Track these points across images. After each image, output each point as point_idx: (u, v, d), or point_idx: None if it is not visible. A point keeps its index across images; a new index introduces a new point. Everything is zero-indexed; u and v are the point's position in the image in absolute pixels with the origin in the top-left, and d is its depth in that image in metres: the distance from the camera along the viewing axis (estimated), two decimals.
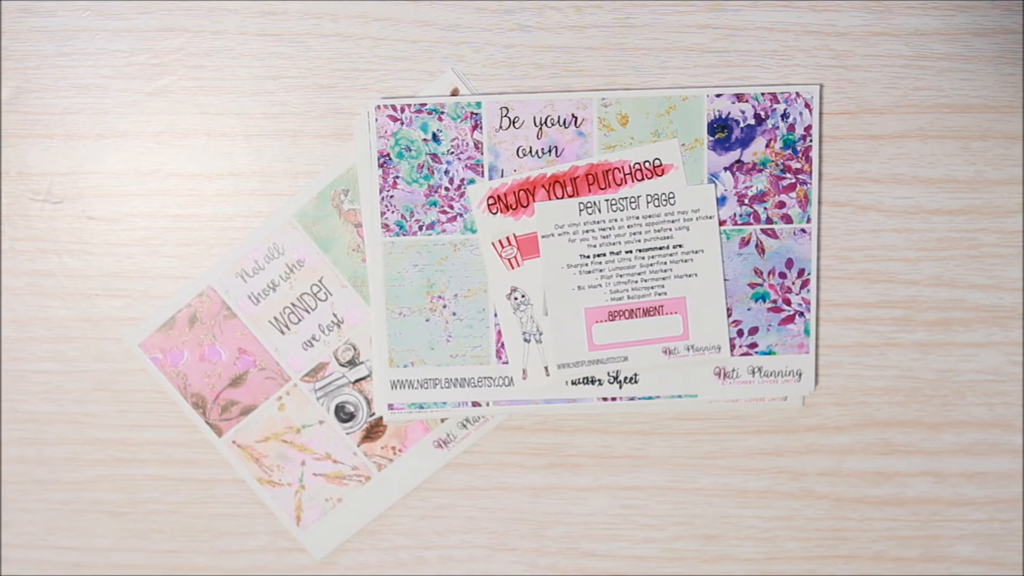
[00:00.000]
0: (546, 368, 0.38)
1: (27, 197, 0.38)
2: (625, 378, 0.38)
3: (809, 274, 0.37)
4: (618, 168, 0.36)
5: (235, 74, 0.38)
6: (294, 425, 0.39)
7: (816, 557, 0.40)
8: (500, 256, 0.37)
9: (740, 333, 0.38)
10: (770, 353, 0.38)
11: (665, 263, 0.36)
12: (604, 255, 0.36)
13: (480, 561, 0.40)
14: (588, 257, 0.36)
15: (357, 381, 0.39)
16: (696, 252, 0.36)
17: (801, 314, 0.38)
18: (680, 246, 0.36)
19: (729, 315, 0.37)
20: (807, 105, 0.36)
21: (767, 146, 0.36)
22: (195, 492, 0.40)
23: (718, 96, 0.36)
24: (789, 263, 0.37)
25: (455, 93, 0.37)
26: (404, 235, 0.37)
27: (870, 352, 0.39)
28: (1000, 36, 0.38)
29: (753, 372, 0.38)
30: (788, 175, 0.37)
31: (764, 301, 0.37)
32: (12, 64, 0.37)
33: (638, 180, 0.36)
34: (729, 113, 0.36)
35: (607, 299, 0.37)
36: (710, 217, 0.36)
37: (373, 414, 0.39)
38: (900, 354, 0.39)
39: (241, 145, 0.38)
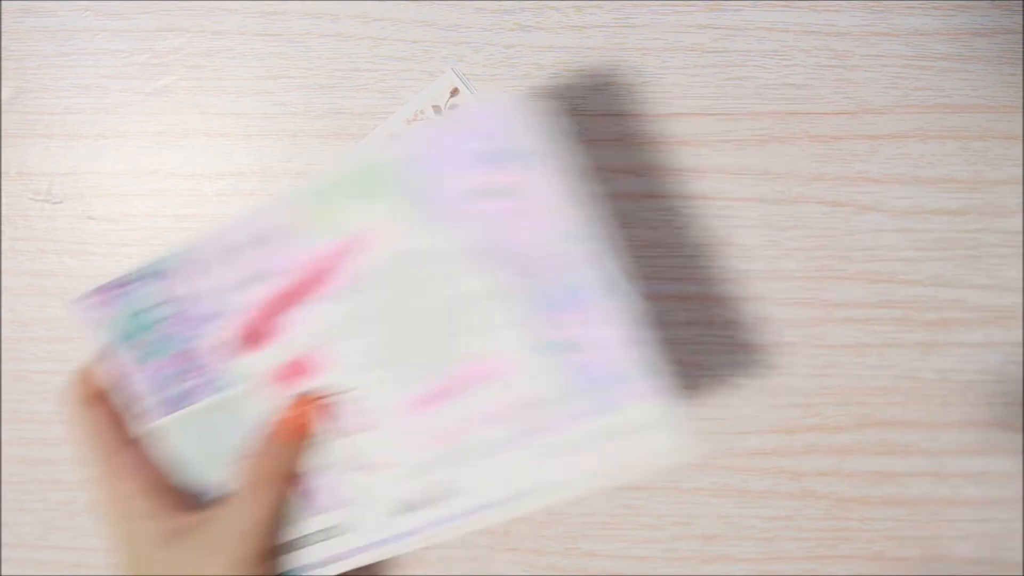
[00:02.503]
0: (364, 504, 0.32)
1: (27, 197, 0.38)
2: (449, 493, 0.32)
3: (604, 308, 0.30)
4: (342, 253, 0.30)
5: (235, 74, 0.38)
6: None
7: (816, 557, 0.40)
8: (271, 398, 0.32)
9: (566, 402, 0.31)
10: (606, 412, 0.31)
11: (454, 323, 0.31)
12: (386, 339, 0.31)
13: (480, 561, 0.40)
14: (370, 347, 0.31)
15: None
16: (480, 299, 0.31)
17: (623, 360, 0.31)
18: (464, 296, 0.31)
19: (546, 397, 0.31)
20: (506, 114, 0.29)
21: (485, 177, 0.29)
22: None
23: (421, 153, 0.30)
24: (581, 304, 0.31)
25: (455, 93, 0.37)
26: (172, 411, 0.33)
27: (870, 352, 0.39)
28: (1000, 36, 0.38)
29: (593, 439, 0.31)
30: (514, 197, 0.29)
31: (568, 352, 0.31)
32: (12, 64, 0.37)
33: (364, 257, 0.31)
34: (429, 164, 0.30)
35: (412, 387, 0.31)
36: (459, 253, 0.30)
37: None
38: (900, 354, 0.39)
39: (241, 145, 0.38)
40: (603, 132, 0.38)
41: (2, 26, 0.37)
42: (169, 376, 0.32)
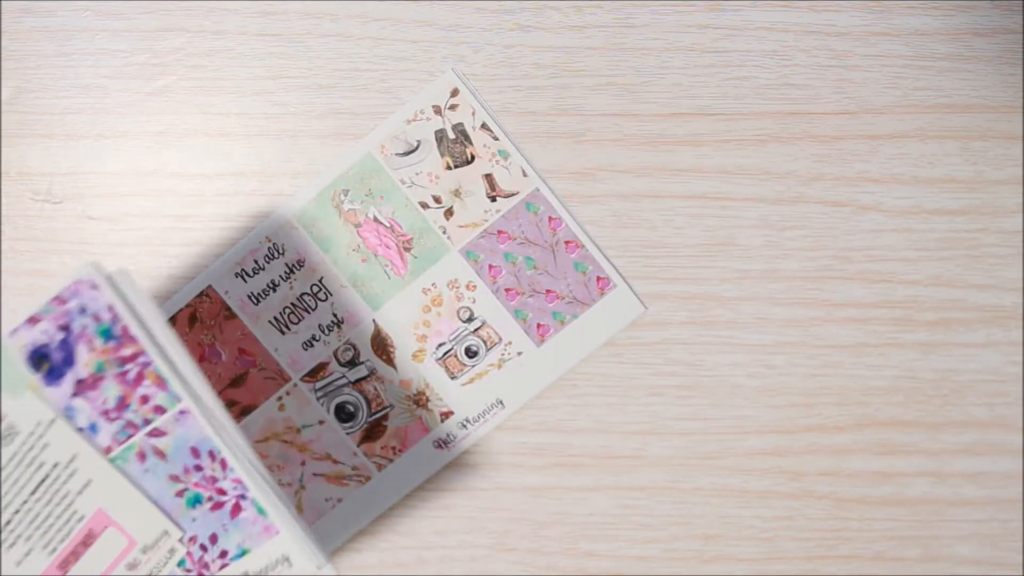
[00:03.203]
0: None
1: (27, 197, 0.38)
2: None
3: (220, 452, 0.32)
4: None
5: (235, 74, 0.38)
6: (294, 425, 0.39)
7: (816, 557, 0.40)
8: None
9: (204, 548, 0.33)
10: (244, 553, 0.33)
11: (59, 488, 0.32)
12: (11, 520, 0.32)
13: (480, 561, 0.40)
14: (0, 531, 0.32)
15: (357, 381, 0.39)
16: (72, 460, 0.32)
17: (243, 496, 0.32)
18: (57, 463, 0.32)
19: (182, 539, 0.33)
20: (92, 286, 0.30)
21: (91, 349, 0.31)
22: None
23: (14, 332, 0.31)
24: (195, 452, 0.32)
25: (455, 93, 0.37)
26: None
27: (870, 352, 0.39)
28: (1000, 36, 0.38)
29: None
30: (128, 366, 0.31)
31: (200, 503, 0.33)
32: (12, 64, 0.37)
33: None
34: (36, 342, 0.31)
35: (47, 557, 0.32)
36: (52, 421, 0.31)
37: (373, 414, 0.39)
38: (900, 354, 0.39)
39: (241, 145, 0.38)
40: (603, 132, 0.38)
41: (2, 26, 0.37)
42: None
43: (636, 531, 0.40)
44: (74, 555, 0.32)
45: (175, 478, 0.32)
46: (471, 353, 0.39)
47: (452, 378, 0.39)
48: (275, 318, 0.38)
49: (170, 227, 0.38)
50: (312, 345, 0.38)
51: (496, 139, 0.37)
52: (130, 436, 0.32)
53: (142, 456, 0.32)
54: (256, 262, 0.38)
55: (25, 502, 0.32)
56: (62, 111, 0.38)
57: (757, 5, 0.37)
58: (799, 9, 0.37)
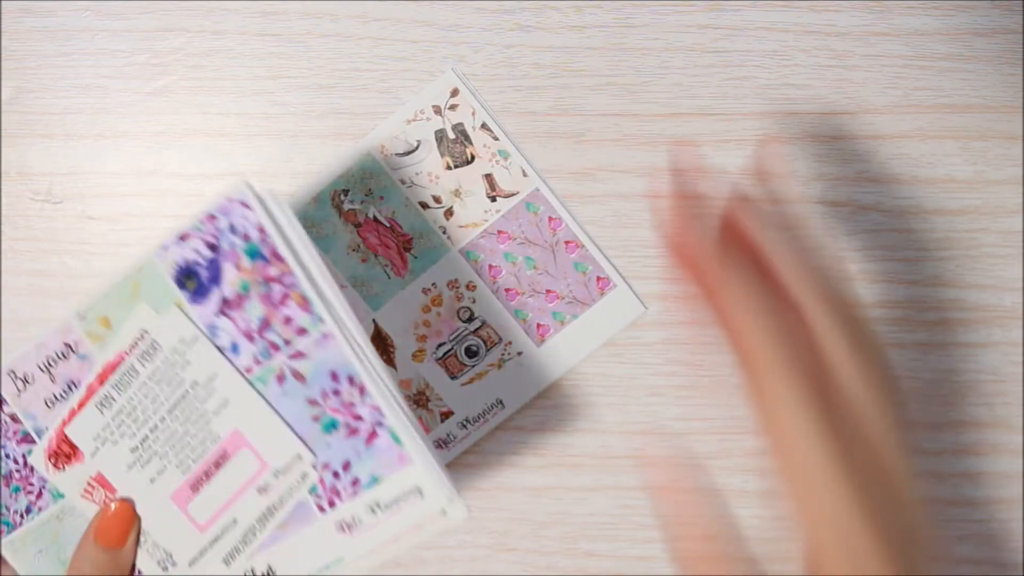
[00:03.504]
0: None
1: (27, 197, 0.38)
2: (263, 575, 0.33)
3: (359, 377, 0.31)
4: (120, 362, 0.33)
5: (235, 74, 0.38)
6: None
7: None
8: (97, 504, 0.34)
9: (336, 475, 0.32)
10: (375, 481, 0.32)
11: (197, 407, 0.32)
12: (148, 436, 0.32)
13: (480, 561, 0.40)
14: (137, 448, 0.33)
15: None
16: (212, 379, 0.32)
17: (380, 424, 0.31)
18: (196, 382, 0.32)
19: (315, 465, 0.32)
20: (244, 205, 0.30)
21: (238, 268, 0.31)
22: None
23: (165, 249, 0.31)
24: (335, 376, 0.31)
25: (455, 93, 0.37)
26: (15, 529, 0.34)
27: None
28: (1000, 36, 0.38)
29: (373, 510, 0.32)
30: (274, 285, 0.31)
31: (336, 429, 0.32)
32: (12, 64, 0.37)
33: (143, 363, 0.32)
34: (185, 259, 0.31)
35: (180, 475, 0.32)
36: (195, 338, 0.31)
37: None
38: (900, 354, 0.39)
39: (241, 145, 0.38)
40: (603, 132, 0.38)
41: (2, 26, 0.37)
42: (7, 495, 0.34)
43: (636, 531, 0.40)
44: (206, 475, 0.32)
45: (313, 402, 0.32)
46: (471, 353, 0.39)
47: (452, 378, 0.39)
48: None
49: (170, 227, 0.38)
50: None
51: (496, 139, 0.37)
52: (271, 357, 0.31)
53: (281, 378, 0.32)
54: None
55: (163, 419, 0.32)
56: (62, 111, 0.38)
57: (757, 5, 0.37)
58: (799, 9, 0.37)
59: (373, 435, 0.31)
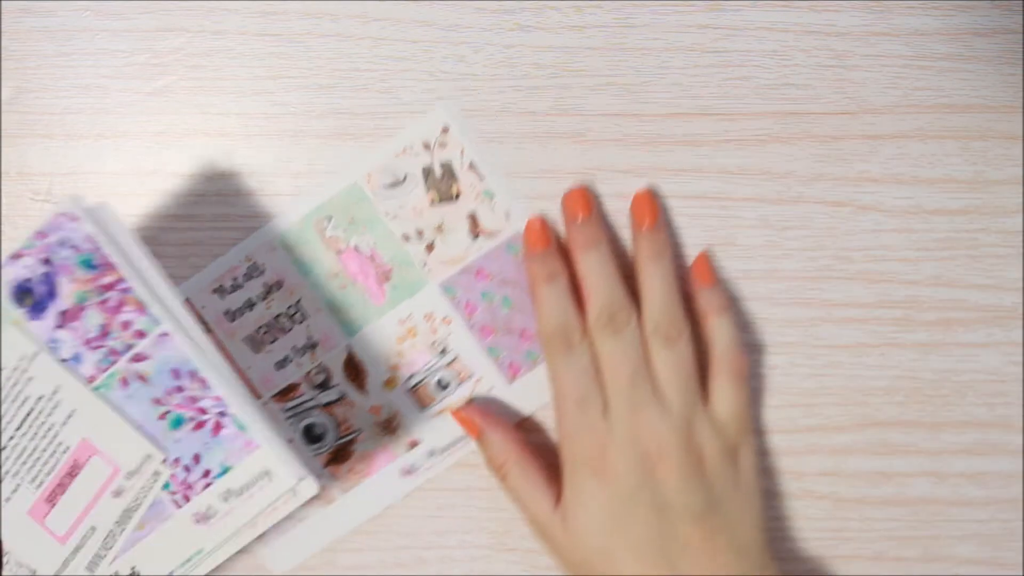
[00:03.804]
0: None
1: (27, 197, 0.38)
2: None
3: (200, 371, 0.32)
4: None
5: (235, 74, 0.38)
6: None
7: (816, 557, 0.40)
8: None
9: (188, 469, 0.33)
10: (226, 470, 0.33)
11: (44, 421, 0.33)
12: None
13: (480, 561, 0.40)
14: None
15: (327, 404, 0.39)
16: (56, 392, 0.32)
17: (223, 413, 0.32)
18: (41, 397, 0.32)
19: (165, 461, 0.33)
20: (72, 218, 0.32)
21: (73, 281, 0.32)
22: None
23: None
24: (176, 373, 0.32)
25: (446, 131, 0.37)
26: None
27: (870, 352, 0.39)
28: (1000, 36, 0.38)
29: (225, 498, 0.33)
30: (109, 293, 0.32)
31: (183, 424, 0.33)
32: (12, 64, 0.37)
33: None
34: (19, 277, 0.32)
35: (35, 491, 0.33)
36: (35, 355, 0.32)
37: (341, 437, 0.39)
38: (900, 354, 0.39)
39: (241, 145, 0.38)
40: (603, 132, 0.38)
41: (2, 26, 0.37)
42: None
43: None
44: (60, 487, 0.33)
45: (158, 401, 0.33)
46: (442, 385, 0.39)
47: (422, 408, 0.39)
48: (250, 336, 0.38)
49: (170, 227, 0.38)
50: (285, 366, 0.38)
51: (482, 179, 0.37)
52: (113, 363, 0.32)
53: (125, 382, 0.33)
54: (235, 280, 0.38)
55: (11, 438, 0.32)
56: (62, 111, 0.38)
57: (757, 5, 0.37)
58: (799, 9, 0.37)
59: (219, 426, 0.33)
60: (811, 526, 0.40)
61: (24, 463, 0.33)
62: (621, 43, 0.37)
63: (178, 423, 0.33)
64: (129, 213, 0.38)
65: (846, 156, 0.38)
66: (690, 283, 0.38)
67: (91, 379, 0.32)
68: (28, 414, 0.32)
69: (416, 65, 0.37)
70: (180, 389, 0.33)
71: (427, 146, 0.37)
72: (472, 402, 0.39)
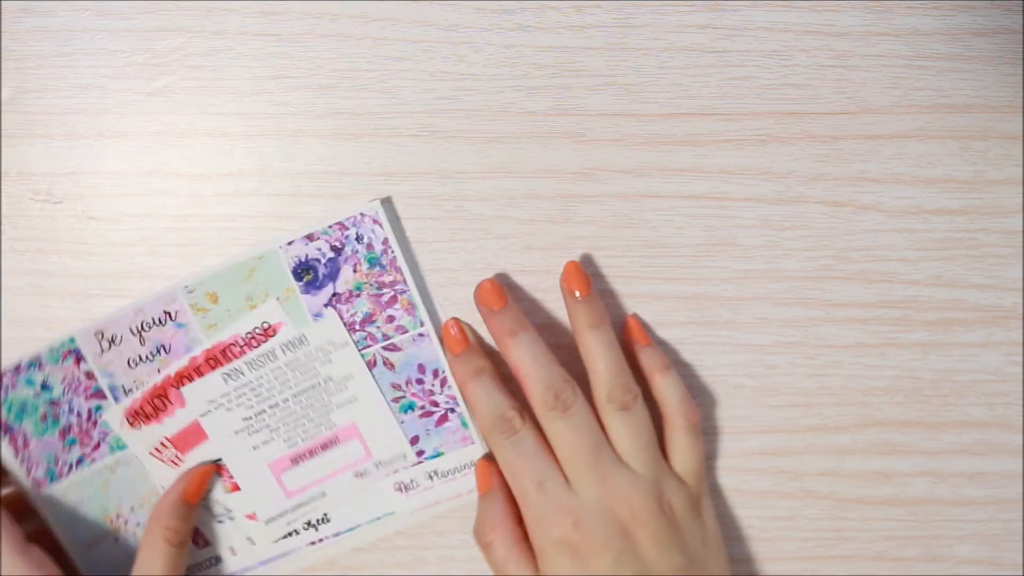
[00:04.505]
0: (249, 539, 0.39)
1: (27, 197, 0.38)
2: (318, 520, 0.39)
3: (444, 372, 0.37)
4: (233, 344, 0.37)
5: (235, 74, 0.38)
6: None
7: (816, 557, 0.40)
8: (163, 462, 0.38)
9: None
10: (439, 455, 0.39)
11: (323, 398, 0.37)
12: (265, 411, 0.37)
13: (480, 561, 0.40)
14: (251, 418, 0.37)
15: None
16: (347, 379, 0.37)
17: (452, 410, 0.38)
18: (330, 378, 0.37)
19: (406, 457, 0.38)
20: (375, 221, 0.36)
21: (355, 271, 0.36)
22: None
23: (290, 244, 0.36)
24: (421, 368, 0.37)
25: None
26: (59, 480, 0.38)
27: (870, 352, 0.39)
28: (1000, 36, 0.38)
29: (431, 476, 0.39)
30: (385, 290, 0.37)
31: (413, 410, 0.38)
32: (12, 64, 0.37)
33: (254, 348, 0.37)
34: (307, 256, 0.36)
35: (284, 448, 0.38)
36: (345, 344, 0.37)
37: None
38: (900, 354, 0.39)
39: (241, 145, 0.38)
40: (603, 132, 0.38)
41: (2, 26, 0.37)
42: (59, 448, 0.37)
43: None
44: (310, 453, 0.38)
45: (396, 386, 0.38)
46: None
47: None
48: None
49: (170, 227, 0.38)
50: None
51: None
52: (368, 346, 0.37)
53: (372, 363, 0.37)
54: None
55: (286, 400, 0.37)
56: (62, 111, 0.38)
57: (757, 5, 0.37)
58: (799, 9, 0.37)
59: (444, 418, 0.38)
60: (811, 526, 0.40)
61: (286, 423, 0.37)
62: (621, 43, 0.37)
63: (409, 408, 0.38)
64: (129, 213, 0.38)
65: (846, 156, 0.38)
66: (628, 346, 0.38)
67: None
68: (312, 387, 0.37)
69: (416, 65, 0.37)
70: (420, 382, 0.37)
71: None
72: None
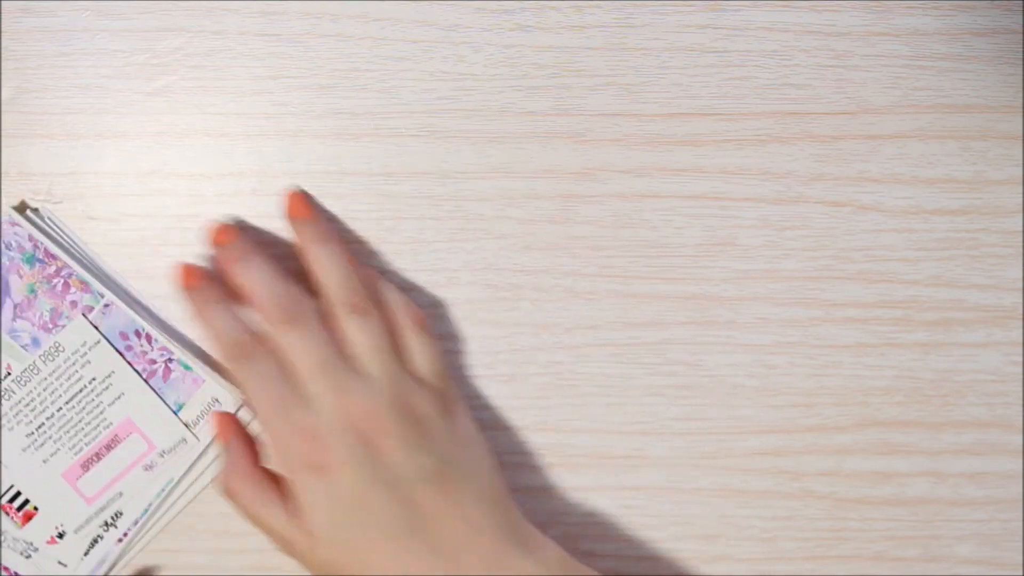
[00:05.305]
0: (60, 563, 0.38)
1: (27, 197, 0.38)
2: (112, 517, 0.38)
3: (144, 330, 0.38)
4: None
5: (235, 74, 0.38)
6: None
7: (816, 557, 0.40)
8: None
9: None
10: (181, 407, 0.38)
11: (93, 399, 0.37)
12: (43, 423, 0.37)
13: None
14: (33, 433, 0.37)
15: None
16: (109, 376, 0.38)
17: (170, 360, 0.38)
18: (94, 378, 0.37)
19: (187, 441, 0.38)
20: (13, 224, 0.37)
21: (20, 276, 0.37)
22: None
23: None
24: (124, 336, 0.38)
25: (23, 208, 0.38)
26: None
27: (870, 352, 0.39)
28: (1000, 36, 0.38)
29: (188, 427, 0.39)
30: (55, 280, 0.37)
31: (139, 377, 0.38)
32: (12, 64, 0.37)
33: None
34: None
35: (72, 456, 0.38)
36: (98, 342, 0.37)
37: None
38: (900, 354, 0.39)
39: (241, 145, 0.38)
40: (603, 132, 0.38)
41: (2, 26, 0.37)
42: None
43: (636, 531, 0.40)
44: (96, 456, 0.38)
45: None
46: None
47: None
48: None
49: (170, 227, 0.38)
50: None
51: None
52: None
53: None
54: None
55: (60, 409, 0.37)
56: (62, 111, 0.38)
57: (757, 5, 0.37)
58: (799, 9, 0.37)
59: (168, 371, 0.38)
60: (811, 526, 0.40)
61: (67, 432, 0.37)
62: (621, 43, 0.37)
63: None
64: (129, 213, 0.38)
65: (846, 156, 0.38)
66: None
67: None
68: (79, 391, 0.37)
69: (416, 65, 0.37)
70: (130, 348, 0.38)
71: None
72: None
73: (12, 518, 0.38)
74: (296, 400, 0.34)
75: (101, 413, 0.38)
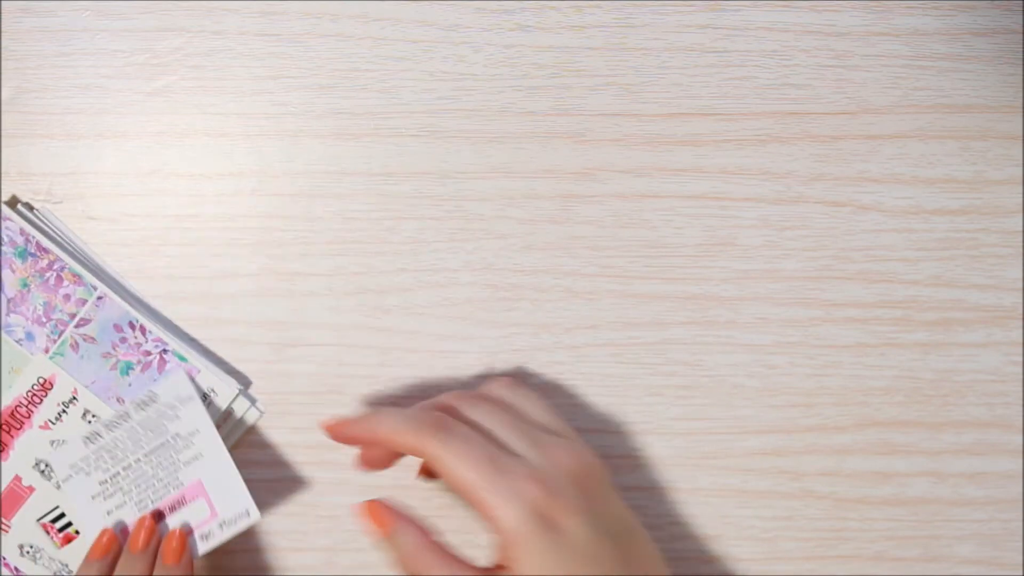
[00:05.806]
0: None
1: (27, 197, 0.38)
2: None
3: (139, 321, 0.37)
4: (19, 404, 0.37)
5: (235, 74, 0.38)
6: None
7: (816, 557, 0.40)
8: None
9: None
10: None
11: (171, 455, 0.37)
12: (119, 472, 0.36)
13: (481, 561, 0.40)
14: (106, 481, 0.36)
15: None
16: (193, 434, 0.37)
17: (164, 351, 0.38)
18: (178, 435, 0.37)
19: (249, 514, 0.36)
20: (5, 218, 0.37)
21: (13, 271, 0.37)
22: None
23: None
24: (118, 328, 0.37)
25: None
26: None
27: (870, 352, 0.39)
28: (1000, 36, 0.38)
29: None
30: (47, 274, 0.37)
31: (132, 369, 0.38)
32: (12, 64, 0.37)
33: (36, 404, 0.37)
34: None
35: (136, 512, 0.36)
36: (190, 398, 0.37)
37: None
38: (900, 354, 0.39)
39: (241, 145, 0.38)
40: (603, 132, 0.38)
41: (2, 26, 0.37)
42: None
43: None
44: (159, 515, 0.37)
45: (106, 355, 0.37)
46: None
47: None
48: None
49: (170, 227, 0.38)
50: None
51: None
52: (61, 332, 0.37)
53: (75, 346, 0.37)
54: None
55: (138, 460, 0.36)
56: (62, 111, 0.38)
57: (757, 5, 0.37)
58: (799, 9, 0.37)
59: (163, 362, 0.38)
60: (811, 526, 0.40)
61: (138, 485, 0.36)
62: (621, 43, 0.37)
63: (128, 369, 0.38)
64: (129, 213, 0.38)
65: (846, 156, 0.38)
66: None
67: (46, 350, 0.37)
68: (161, 445, 0.36)
69: (416, 65, 0.38)
70: (124, 340, 0.38)
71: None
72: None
73: (52, 537, 0.38)
74: (507, 454, 0.32)
75: (176, 472, 0.37)
